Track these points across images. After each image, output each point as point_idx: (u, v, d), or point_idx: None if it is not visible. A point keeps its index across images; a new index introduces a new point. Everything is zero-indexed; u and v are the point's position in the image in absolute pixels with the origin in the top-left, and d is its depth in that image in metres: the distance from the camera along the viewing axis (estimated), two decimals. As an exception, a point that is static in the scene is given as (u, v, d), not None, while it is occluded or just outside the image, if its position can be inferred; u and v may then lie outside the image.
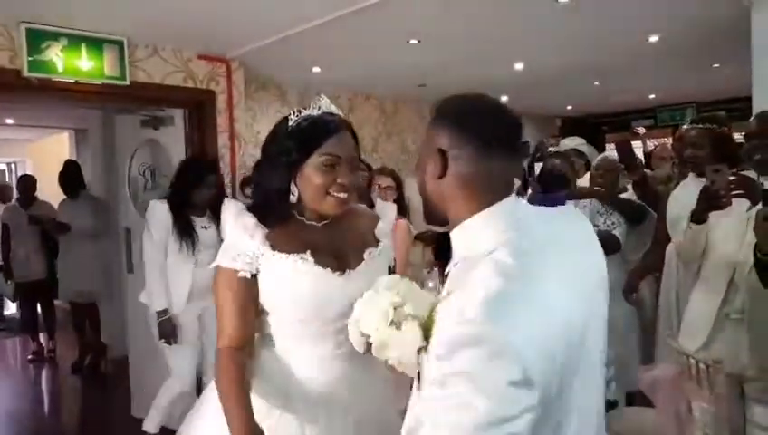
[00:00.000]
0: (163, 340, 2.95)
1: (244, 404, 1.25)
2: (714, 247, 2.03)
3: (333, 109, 1.40)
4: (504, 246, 0.87)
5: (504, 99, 6.43)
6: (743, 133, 2.35)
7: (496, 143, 0.94)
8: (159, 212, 2.94)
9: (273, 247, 1.34)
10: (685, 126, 2.61)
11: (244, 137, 3.92)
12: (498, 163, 0.94)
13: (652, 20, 3.54)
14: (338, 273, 1.37)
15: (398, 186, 2.96)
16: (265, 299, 1.36)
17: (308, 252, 1.35)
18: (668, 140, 4.62)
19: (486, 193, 0.93)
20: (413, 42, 3.68)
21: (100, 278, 4.77)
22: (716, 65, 5.02)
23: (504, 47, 4.01)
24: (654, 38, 3.92)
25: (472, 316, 0.78)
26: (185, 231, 2.93)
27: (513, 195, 0.95)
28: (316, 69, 4.33)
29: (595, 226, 2.71)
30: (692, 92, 6.59)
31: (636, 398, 2.90)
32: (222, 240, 1.41)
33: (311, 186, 1.34)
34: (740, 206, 1.89)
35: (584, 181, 3.35)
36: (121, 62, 3.23)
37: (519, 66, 4.63)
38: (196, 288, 2.95)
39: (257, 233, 1.33)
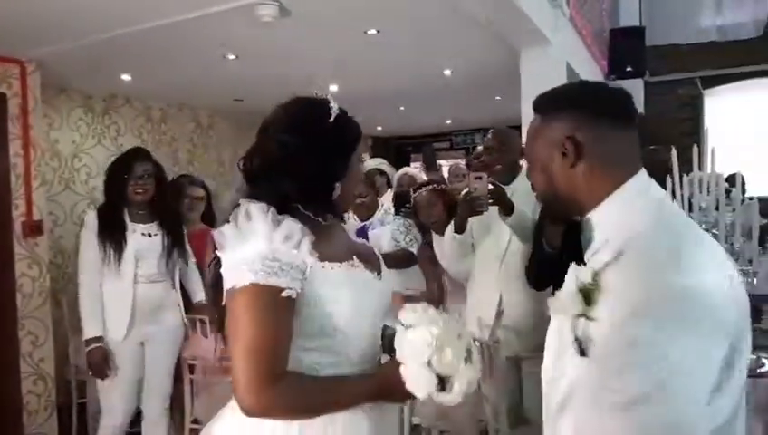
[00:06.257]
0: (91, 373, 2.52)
1: (338, 384, 1.08)
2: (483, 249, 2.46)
3: None
4: (659, 222, 0.90)
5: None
6: (483, 147, 2.72)
7: (621, 115, 0.97)
8: (88, 221, 2.53)
9: (321, 257, 1.07)
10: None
11: (41, 145, 3.57)
12: (625, 134, 0.96)
13: (445, 56, 4.07)
14: (379, 277, 1.19)
15: (209, 196, 3.28)
16: (314, 322, 1.07)
17: (354, 257, 1.14)
18: (462, 161, 5.27)
19: (621, 167, 0.95)
20: (230, 57, 3.73)
21: None
22: (498, 97, 5.87)
23: (320, 69, 4.23)
24: (448, 71, 4.49)
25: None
26: (111, 236, 2.49)
27: (642, 169, 0.96)
28: (126, 76, 4.12)
29: (396, 242, 2.94)
30: (480, 119, 7.57)
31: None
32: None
33: (350, 187, 1.19)
34: (494, 211, 2.25)
35: (386, 198, 3.69)
36: None
37: (334, 88, 4.88)
38: (138, 310, 2.53)
39: (305, 241, 1.05)
